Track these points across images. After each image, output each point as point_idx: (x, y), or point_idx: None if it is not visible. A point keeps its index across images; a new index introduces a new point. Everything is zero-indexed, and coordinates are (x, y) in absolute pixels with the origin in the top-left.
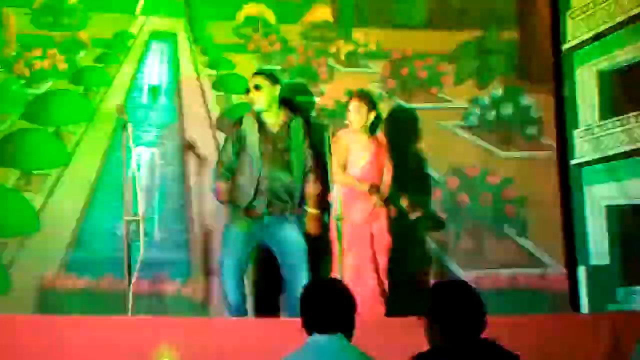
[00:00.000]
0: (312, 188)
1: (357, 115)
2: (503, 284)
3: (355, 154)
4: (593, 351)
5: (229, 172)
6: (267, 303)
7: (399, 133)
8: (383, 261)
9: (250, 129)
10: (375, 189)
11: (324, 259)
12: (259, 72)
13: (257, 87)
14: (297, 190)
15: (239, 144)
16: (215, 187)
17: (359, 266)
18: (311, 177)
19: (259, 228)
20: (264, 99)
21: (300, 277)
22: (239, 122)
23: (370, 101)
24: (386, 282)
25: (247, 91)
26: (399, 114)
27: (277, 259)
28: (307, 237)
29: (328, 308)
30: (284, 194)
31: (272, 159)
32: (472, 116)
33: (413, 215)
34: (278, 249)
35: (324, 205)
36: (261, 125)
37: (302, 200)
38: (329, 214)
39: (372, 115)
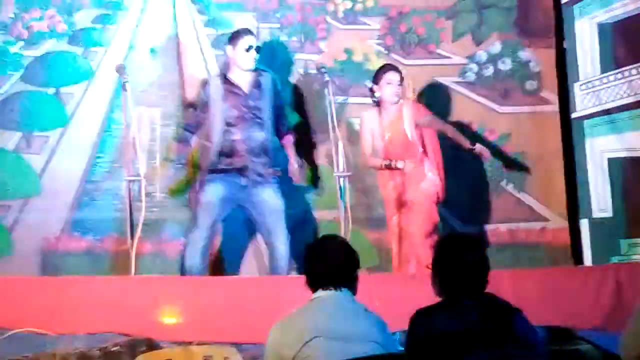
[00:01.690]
0: (288, 143)
1: (398, 89)
2: (504, 239)
3: (380, 132)
4: (596, 303)
5: (189, 131)
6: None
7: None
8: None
9: (216, 90)
10: (393, 162)
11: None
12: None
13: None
14: (272, 148)
15: (204, 106)
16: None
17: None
18: (289, 132)
19: (236, 191)
20: (231, 59)
21: (279, 239)
22: (206, 83)
23: (401, 72)
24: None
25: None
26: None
27: (254, 223)
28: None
29: (332, 264)
30: (260, 154)
31: (244, 120)
32: (471, 72)
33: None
34: (255, 211)
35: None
36: (230, 86)
37: (280, 159)
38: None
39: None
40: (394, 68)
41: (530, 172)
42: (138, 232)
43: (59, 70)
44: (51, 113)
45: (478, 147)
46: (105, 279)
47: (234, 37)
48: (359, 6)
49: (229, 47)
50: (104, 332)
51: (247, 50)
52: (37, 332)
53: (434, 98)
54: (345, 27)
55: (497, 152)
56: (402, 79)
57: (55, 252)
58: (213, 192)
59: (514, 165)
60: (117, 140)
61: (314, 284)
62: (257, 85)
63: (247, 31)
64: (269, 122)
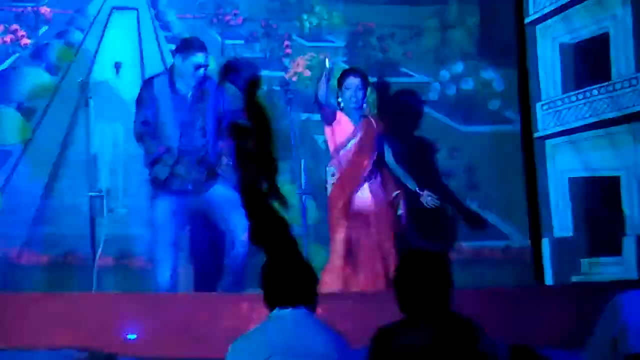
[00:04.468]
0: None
1: (356, 93)
2: (467, 257)
3: (344, 137)
4: (557, 322)
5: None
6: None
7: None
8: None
9: (162, 89)
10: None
11: None
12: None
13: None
14: (213, 154)
15: (153, 107)
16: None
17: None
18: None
19: (185, 198)
20: (176, 68)
21: (237, 225)
22: (149, 82)
23: (367, 78)
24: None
25: None
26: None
27: (211, 218)
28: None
29: (290, 282)
30: (200, 159)
31: (186, 125)
32: (434, 91)
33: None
34: (209, 207)
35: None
36: (174, 89)
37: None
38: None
39: (368, 94)
40: (353, 72)
41: (487, 226)
42: (100, 248)
43: (21, 85)
44: (13, 128)
45: (425, 194)
46: (67, 295)
47: (185, 48)
48: (324, 23)
49: (178, 57)
50: (65, 348)
51: (196, 69)
52: None
53: (402, 112)
54: (311, 43)
55: (460, 205)
56: (365, 83)
57: (16, 268)
58: (164, 209)
59: (474, 220)
60: (80, 155)
61: (272, 303)
62: (200, 89)
63: (201, 47)
64: (209, 126)
